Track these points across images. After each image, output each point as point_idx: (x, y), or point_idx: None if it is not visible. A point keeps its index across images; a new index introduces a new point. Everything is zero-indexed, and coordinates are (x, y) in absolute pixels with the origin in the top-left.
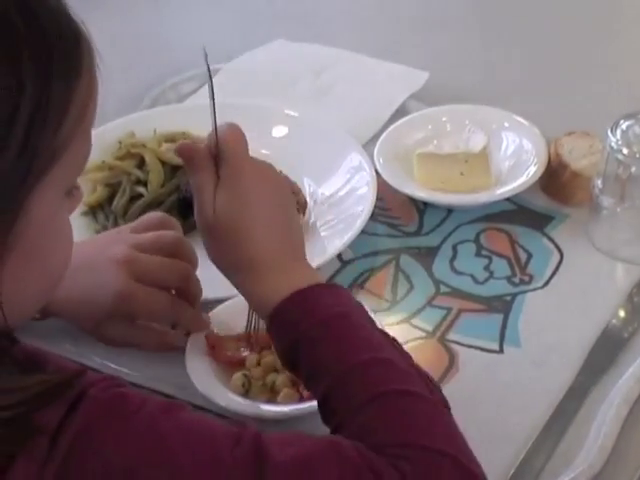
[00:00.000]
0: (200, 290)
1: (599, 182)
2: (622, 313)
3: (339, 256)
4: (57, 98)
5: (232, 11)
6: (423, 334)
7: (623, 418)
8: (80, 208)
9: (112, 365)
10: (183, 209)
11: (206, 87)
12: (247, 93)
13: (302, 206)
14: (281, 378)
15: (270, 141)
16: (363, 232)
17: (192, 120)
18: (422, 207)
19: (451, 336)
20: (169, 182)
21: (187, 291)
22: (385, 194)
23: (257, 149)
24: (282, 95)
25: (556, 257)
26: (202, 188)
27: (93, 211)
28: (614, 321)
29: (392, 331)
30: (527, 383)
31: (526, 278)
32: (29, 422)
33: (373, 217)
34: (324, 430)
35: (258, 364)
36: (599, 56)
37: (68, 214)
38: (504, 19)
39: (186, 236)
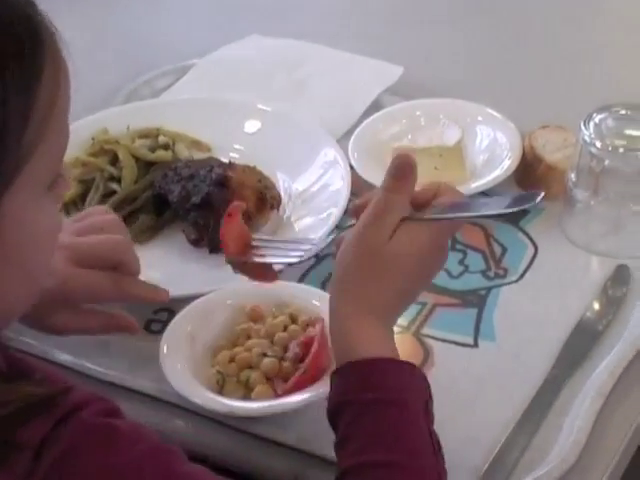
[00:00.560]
0: (138, 263)
1: (573, 175)
2: (596, 306)
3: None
4: (16, 104)
5: (206, 6)
6: (398, 329)
7: (597, 412)
8: None
9: (85, 363)
10: (157, 205)
11: (180, 82)
12: (221, 88)
13: (276, 201)
14: (255, 374)
15: (243, 136)
16: (338, 227)
17: (166, 116)
18: None
19: (426, 331)
20: (143, 178)
21: (129, 264)
22: (359, 189)
23: (230, 144)
24: (256, 90)
25: (531, 251)
26: (391, 208)
27: (66, 208)
28: (588, 314)
29: None
30: (502, 377)
31: (501, 272)
32: (11, 438)
33: (348, 212)
34: (297, 427)
35: (232, 361)
36: (572, 50)
37: (55, 205)
38: (478, 14)
39: (160, 232)
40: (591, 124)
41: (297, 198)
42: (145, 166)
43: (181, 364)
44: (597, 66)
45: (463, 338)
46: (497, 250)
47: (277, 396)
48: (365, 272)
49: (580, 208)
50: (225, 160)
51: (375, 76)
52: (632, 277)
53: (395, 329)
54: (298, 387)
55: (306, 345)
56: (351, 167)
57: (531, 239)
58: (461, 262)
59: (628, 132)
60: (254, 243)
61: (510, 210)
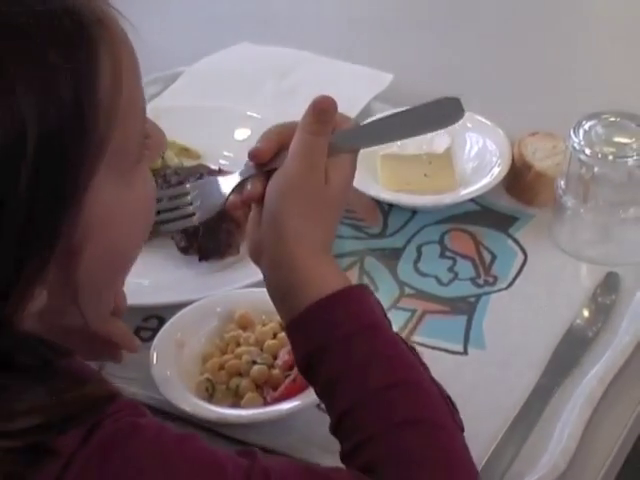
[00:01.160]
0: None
1: (562, 183)
2: (586, 313)
3: None
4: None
5: (196, 14)
6: None
7: (586, 419)
8: None
9: None
10: None
11: (169, 90)
12: (211, 95)
13: None
14: (245, 382)
15: (233, 144)
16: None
17: (156, 123)
18: (386, 209)
19: (416, 338)
20: None
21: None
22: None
23: (220, 151)
24: (246, 97)
25: (520, 258)
26: (321, 151)
27: None
28: (578, 321)
29: None
30: (491, 384)
31: (490, 279)
32: (47, 445)
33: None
34: (287, 435)
35: (222, 368)
36: (562, 57)
37: (147, 169)
38: (468, 21)
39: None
40: (580, 131)
41: None
42: None
43: (170, 371)
44: (586, 73)
45: (453, 345)
46: (486, 257)
47: (267, 404)
48: (312, 216)
49: (569, 215)
50: (215, 167)
51: (365, 83)
52: (621, 284)
53: None
54: (288, 395)
55: None
56: None
57: (520, 246)
58: (450, 269)
59: (617, 139)
60: None
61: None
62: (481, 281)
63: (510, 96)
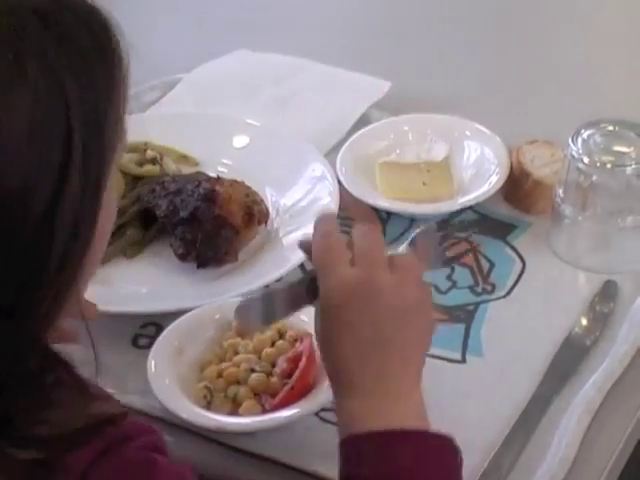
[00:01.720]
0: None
1: (560, 191)
2: (584, 321)
3: (301, 266)
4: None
5: (193, 20)
6: None
7: (585, 428)
8: None
9: None
10: (144, 220)
11: (167, 97)
12: (208, 103)
13: (264, 216)
14: (243, 390)
15: (231, 151)
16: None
17: (154, 130)
18: (385, 217)
19: None
20: (130, 193)
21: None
22: (347, 204)
23: (218, 159)
24: (244, 105)
25: (518, 266)
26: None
27: None
28: (576, 329)
29: None
30: (489, 393)
31: (488, 287)
32: (60, 460)
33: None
34: (285, 443)
35: (220, 376)
36: (560, 65)
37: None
38: (466, 29)
39: (148, 246)
40: (579, 140)
41: (285, 213)
42: (133, 180)
43: (169, 379)
44: (585, 82)
45: (451, 354)
46: (485, 265)
47: (265, 411)
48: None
49: (568, 223)
50: (213, 175)
51: (363, 91)
52: (620, 292)
53: None
54: (286, 403)
55: (294, 360)
56: (339, 182)
57: (519, 254)
58: (449, 277)
59: (616, 148)
60: None
61: None
62: (479, 289)
63: (508, 104)
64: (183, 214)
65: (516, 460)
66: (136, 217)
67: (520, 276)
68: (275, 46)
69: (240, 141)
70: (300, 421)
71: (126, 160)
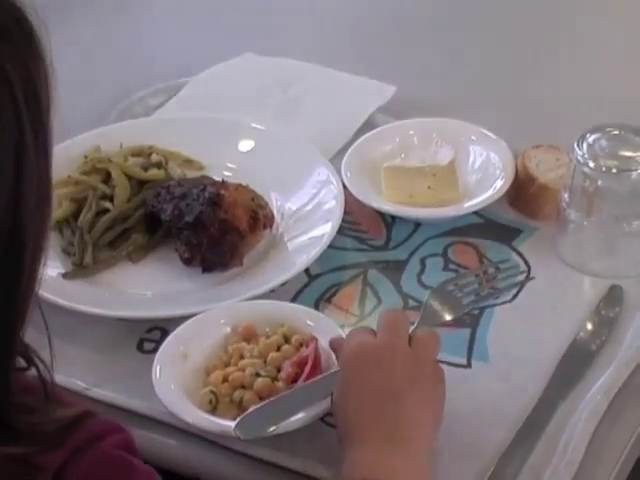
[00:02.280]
0: None
1: (566, 195)
2: (590, 326)
3: (307, 271)
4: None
5: (199, 24)
6: None
7: (591, 432)
8: None
9: (78, 382)
10: (149, 224)
11: (173, 100)
12: (214, 107)
13: (269, 220)
14: (248, 395)
15: (237, 155)
16: (331, 246)
17: (159, 134)
18: (390, 221)
19: None
20: (135, 197)
21: None
22: (352, 208)
23: (223, 163)
24: (249, 109)
25: (524, 271)
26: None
27: (59, 226)
28: (582, 334)
29: None
30: (495, 398)
31: (494, 292)
32: (32, 460)
33: (340, 231)
34: (290, 448)
35: (225, 380)
36: (566, 70)
37: None
38: (471, 33)
39: (153, 251)
40: (584, 144)
41: (290, 217)
42: (138, 184)
43: (174, 383)
44: (590, 86)
45: (456, 359)
46: (490, 270)
47: None
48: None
49: (573, 228)
50: (218, 179)
51: (368, 95)
52: (625, 297)
53: None
54: None
55: (299, 365)
56: (344, 186)
57: (524, 259)
58: (454, 282)
59: (621, 153)
60: None
61: None
62: (485, 294)
63: (514, 109)
64: (188, 218)
65: (522, 465)
66: (141, 221)
67: (526, 281)
68: (280, 50)
69: (245, 145)
70: (305, 426)
71: (131, 164)
